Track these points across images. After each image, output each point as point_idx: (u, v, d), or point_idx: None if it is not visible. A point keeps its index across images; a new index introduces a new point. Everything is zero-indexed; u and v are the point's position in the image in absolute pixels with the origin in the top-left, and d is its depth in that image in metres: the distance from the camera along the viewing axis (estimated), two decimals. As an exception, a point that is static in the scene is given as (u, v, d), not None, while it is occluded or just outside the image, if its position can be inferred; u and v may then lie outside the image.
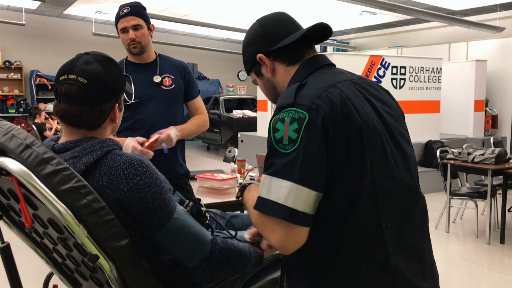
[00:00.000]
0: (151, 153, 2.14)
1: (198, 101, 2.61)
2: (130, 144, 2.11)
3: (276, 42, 1.23)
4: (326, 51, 10.51)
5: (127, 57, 2.48)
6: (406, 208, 1.17)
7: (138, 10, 2.35)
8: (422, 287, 1.15)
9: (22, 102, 11.58)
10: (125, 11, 2.32)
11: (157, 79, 2.42)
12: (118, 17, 2.34)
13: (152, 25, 2.44)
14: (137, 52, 2.38)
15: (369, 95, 1.20)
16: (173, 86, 2.46)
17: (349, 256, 1.11)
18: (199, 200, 2.58)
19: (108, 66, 1.32)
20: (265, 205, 1.07)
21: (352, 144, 1.07)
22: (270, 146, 1.09)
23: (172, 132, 2.28)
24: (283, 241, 1.07)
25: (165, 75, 2.46)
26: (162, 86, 2.43)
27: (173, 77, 2.47)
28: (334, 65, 1.27)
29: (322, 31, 1.23)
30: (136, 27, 2.33)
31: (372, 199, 1.10)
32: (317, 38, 1.28)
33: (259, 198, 1.09)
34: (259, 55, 1.26)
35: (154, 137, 2.19)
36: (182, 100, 2.54)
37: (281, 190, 1.04)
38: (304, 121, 1.05)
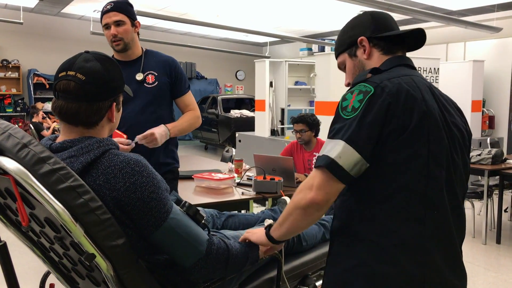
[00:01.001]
0: (128, 143, 2.11)
1: (188, 97, 2.53)
2: None
3: (380, 31, 1.35)
4: (324, 51, 10.50)
5: (113, 55, 2.44)
6: (452, 205, 1.25)
7: (121, 6, 2.31)
8: (453, 284, 1.24)
9: (19, 101, 11.55)
10: (108, 7, 2.28)
11: (139, 76, 2.37)
12: (102, 13, 2.31)
13: (138, 22, 2.39)
14: (120, 49, 2.33)
15: (439, 100, 1.29)
16: (155, 83, 2.39)
17: (383, 229, 1.19)
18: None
19: (108, 65, 1.33)
20: (318, 159, 1.21)
21: (412, 124, 1.17)
22: (335, 113, 1.24)
23: (158, 130, 2.22)
24: (318, 186, 1.19)
25: (148, 72, 2.40)
26: (144, 84, 2.38)
27: (156, 74, 2.40)
28: (416, 69, 1.37)
29: (419, 39, 1.35)
30: (118, 23, 2.28)
31: (422, 182, 1.18)
32: (411, 43, 1.39)
33: (318, 156, 1.23)
34: (362, 37, 1.35)
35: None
36: (168, 98, 2.47)
37: (333, 147, 1.18)
38: (369, 94, 1.17)
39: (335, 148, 1.17)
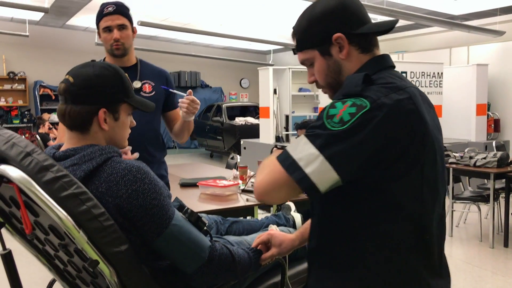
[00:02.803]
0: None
1: (179, 111, 2.45)
2: None
3: (357, 25, 1.17)
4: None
5: (104, 58, 2.36)
6: (439, 223, 1.18)
7: (124, 10, 2.24)
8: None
9: (26, 112, 11.66)
10: (110, 9, 2.19)
11: (136, 84, 2.29)
12: (102, 15, 2.22)
13: (135, 28, 2.33)
14: (119, 54, 2.25)
15: (427, 107, 1.17)
16: (153, 93, 2.33)
17: (378, 257, 1.11)
18: None
19: (102, 71, 1.33)
20: (285, 159, 1.08)
21: (409, 151, 1.05)
22: (320, 117, 1.07)
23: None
24: (283, 197, 1.10)
25: (145, 81, 2.34)
26: (141, 93, 2.30)
27: (153, 84, 2.35)
28: (395, 67, 1.24)
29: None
30: (121, 27, 2.21)
31: (417, 210, 1.10)
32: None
33: (285, 149, 1.10)
34: (339, 34, 1.15)
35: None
36: (160, 109, 2.41)
37: (307, 156, 1.04)
38: (363, 110, 1.02)
39: (308, 159, 1.03)
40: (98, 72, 1.32)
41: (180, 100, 2.23)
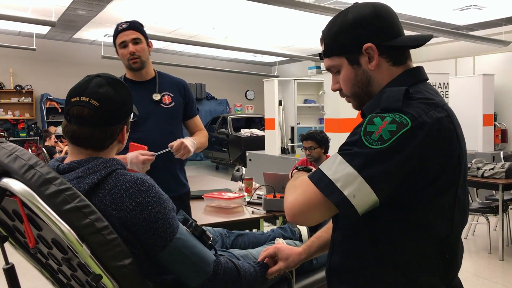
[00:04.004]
0: (152, 154, 2.12)
1: (198, 119, 2.62)
2: (133, 155, 2.09)
3: (389, 37, 1.13)
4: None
5: (125, 74, 2.48)
6: (461, 249, 1.17)
7: (137, 25, 2.38)
8: None
9: (32, 125, 11.72)
10: (124, 26, 2.35)
11: (156, 96, 2.41)
12: (117, 32, 2.37)
13: (151, 42, 2.46)
14: (137, 67, 2.37)
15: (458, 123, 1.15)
16: (172, 104, 2.45)
17: (400, 275, 1.09)
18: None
19: (119, 89, 1.34)
20: (320, 179, 1.03)
21: (447, 172, 1.04)
22: (355, 133, 1.03)
23: (187, 141, 2.26)
24: (317, 219, 1.05)
25: (164, 92, 2.45)
26: (161, 104, 2.42)
27: (172, 95, 2.46)
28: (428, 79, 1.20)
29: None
30: (136, 41, 2.34)
31: (447, 230, 1.08)
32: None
33: (319, 169, 1.05)
34: (369, 44, 1.11)
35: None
36: (181, 119, 2.53)
37: (344, 176, 0.99)
38: (404, 128, 0.98)
39: (347, 181, 0.99)
40: (117, 91, 1.32)
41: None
